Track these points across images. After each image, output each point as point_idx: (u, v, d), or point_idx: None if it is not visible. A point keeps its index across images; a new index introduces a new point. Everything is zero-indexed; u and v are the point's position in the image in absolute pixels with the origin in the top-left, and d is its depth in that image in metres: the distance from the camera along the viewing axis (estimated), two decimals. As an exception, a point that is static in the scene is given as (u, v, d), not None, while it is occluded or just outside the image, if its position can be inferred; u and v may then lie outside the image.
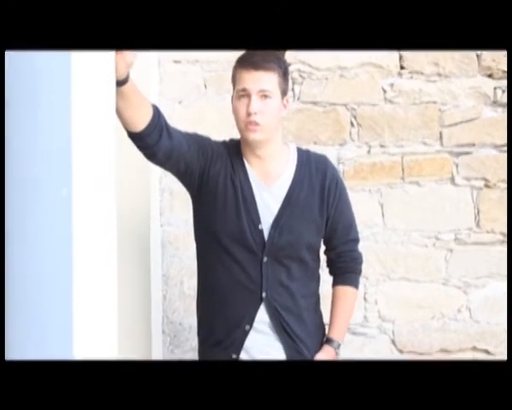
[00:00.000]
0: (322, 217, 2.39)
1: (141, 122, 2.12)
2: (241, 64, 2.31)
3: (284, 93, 2.34)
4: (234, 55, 2.36)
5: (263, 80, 2.27)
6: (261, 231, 2.32)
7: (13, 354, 1.61)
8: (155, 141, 2.16)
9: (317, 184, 2.38)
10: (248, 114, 2.26)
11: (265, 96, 2.27)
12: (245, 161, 2.36)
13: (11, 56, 1.62)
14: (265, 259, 2.32)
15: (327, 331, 2.45)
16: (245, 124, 2.28)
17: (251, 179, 2.35)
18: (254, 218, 2.32)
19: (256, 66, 2.26)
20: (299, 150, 2.44)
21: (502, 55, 3.21)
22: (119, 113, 2.06)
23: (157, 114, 2.16)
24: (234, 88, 2.34)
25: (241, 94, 2.28)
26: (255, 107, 2.26)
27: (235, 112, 2.32)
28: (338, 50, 3.07)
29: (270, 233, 2.32)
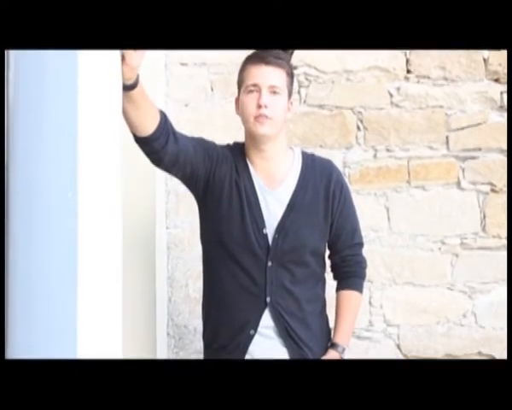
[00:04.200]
0: (327, 221, 2.38)
1: (149, 127, 2.13)
2: (251, 61, 2.32)
3: (290, 94, 2.36)
4: (240, 58, 2.36)
5: (273, 76, 2.29)
6: (265, 236, 2.31)
7: (17, 353, 1.61)
8: (162, 146, 2.16)
9: (322, 188, 2.38)
10: (259, 107, 2.27)
11: (275, 92, 2.29)
12: (249, 163, 2.36)
13: (17, 57, 1.62)
14: (270, 263, 2.31)
15: (332, 336, 2.44)
16: (254, 117, 2.28)
17: (255, 183, 2.35)
18: (259, 222, 2.32)
19: (267, 61, 2.28)
20: (304, 154, 2.44)
21: (509, 60, 3.21)
22: (127, 117, 2.07)
23: (164, 119, 2.17)
24: (241, 87, 2.34)
25: (251, 89, 2.29)
26: (266, 100, 2.27)
27: (244, 107, 2.31)
28: (343, 49, 3.08)
29: (274, 238, 2.31)
